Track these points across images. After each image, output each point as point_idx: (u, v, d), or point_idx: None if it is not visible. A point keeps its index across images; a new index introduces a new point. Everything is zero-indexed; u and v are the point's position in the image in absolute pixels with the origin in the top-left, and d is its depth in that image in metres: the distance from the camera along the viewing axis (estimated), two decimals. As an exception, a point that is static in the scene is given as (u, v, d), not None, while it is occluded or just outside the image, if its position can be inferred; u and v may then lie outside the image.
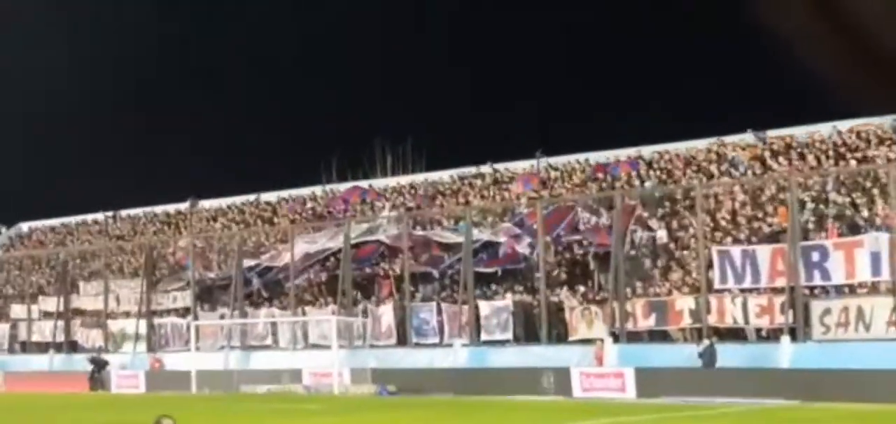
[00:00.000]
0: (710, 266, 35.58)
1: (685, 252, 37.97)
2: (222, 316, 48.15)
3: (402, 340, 42.18)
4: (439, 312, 41.73)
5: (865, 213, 35.08)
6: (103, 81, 76.41)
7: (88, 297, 54.18)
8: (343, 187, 56.90)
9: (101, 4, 74.33)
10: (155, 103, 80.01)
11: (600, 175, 46.39)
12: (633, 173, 45.15)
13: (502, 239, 42.43)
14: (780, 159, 41.39)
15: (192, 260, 50.26)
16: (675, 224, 39.60)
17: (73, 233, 65.61)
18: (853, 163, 38.70)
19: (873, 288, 33.17)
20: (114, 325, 51.95)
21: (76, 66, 76.02)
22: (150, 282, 51.37)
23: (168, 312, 50.63)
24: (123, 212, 65.29)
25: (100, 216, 66.15)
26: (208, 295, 50.19)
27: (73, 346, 52.81)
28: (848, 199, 36.11)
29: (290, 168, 63.72)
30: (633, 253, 39.00)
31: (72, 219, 67.48)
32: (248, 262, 48.63)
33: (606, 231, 39.48)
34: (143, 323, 50.44)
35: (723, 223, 37.73)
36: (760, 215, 37.29)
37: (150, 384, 46.16)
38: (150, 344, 49.84)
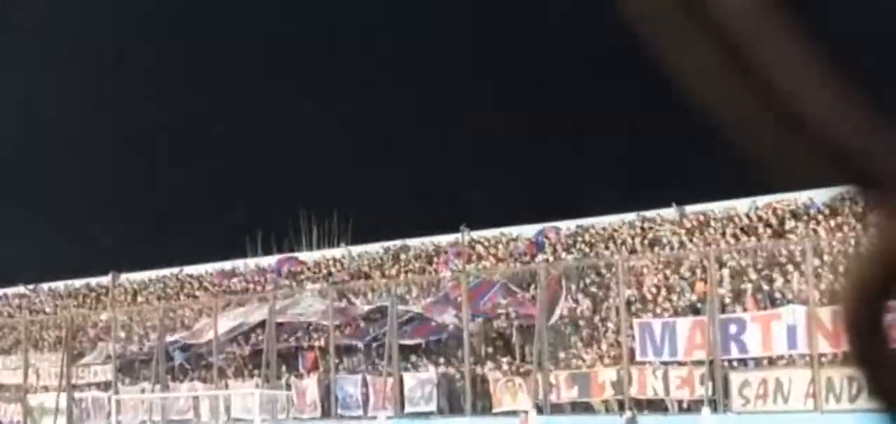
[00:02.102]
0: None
1: (608, 323, 38.48)
2: (143, 390, 47.58)
3: (327, 413, 42.02)
4: (364, 384, 41.68)
5: (780, 283, 35.87)
6: (18, 147, 74.98)
7: (7, 371, 53.21)
8: (268, 260, 56.73)
9: (12, 56, 73.12)
10: (74, 172, 78.82)
11: (527, 250, 46.86)
12: (559, 246, 45.68)
13: (427, 311, 42.62)
14: (700, 234, 42.21)
15: (114, 333, 49.69)
16: (598, 296, 40.13)
17: (-8, 306, 64.45)
18: (773, 241, 39.56)
19: (791, 361, 33.89)
20: (33, 399, 51.04)
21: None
22: (70, 356, 50.63)
23: (89, 386, 49.89)
24: (44, 286, 64.33)
25: (20, 289, 65.09)
26: (130, 368, 49.57)
27: (-11, 421, 51.79)
28: (765, 273, 36.89)
29: (215, 241, 63.13)
30: (557, 322, 39.42)
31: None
32: (170, 337, 48.21)
33: (531, 303, 39.88)
34: (63, 397, 49.63)
35: (648, 295, 38.30)
36: (679, 289, 37.96)
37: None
38: (70, 418, 48.98)
